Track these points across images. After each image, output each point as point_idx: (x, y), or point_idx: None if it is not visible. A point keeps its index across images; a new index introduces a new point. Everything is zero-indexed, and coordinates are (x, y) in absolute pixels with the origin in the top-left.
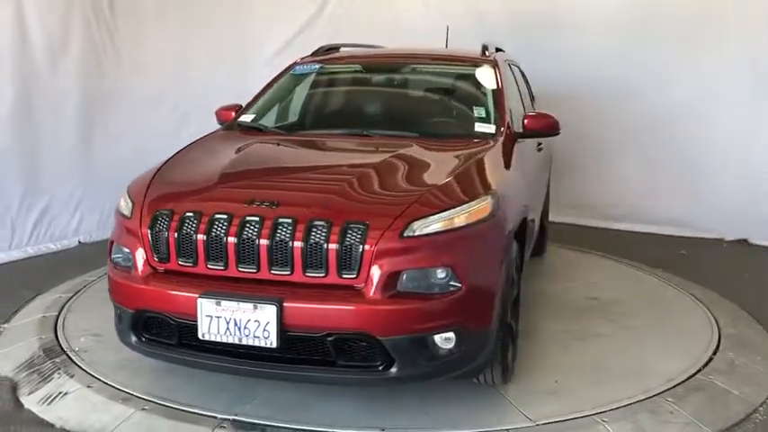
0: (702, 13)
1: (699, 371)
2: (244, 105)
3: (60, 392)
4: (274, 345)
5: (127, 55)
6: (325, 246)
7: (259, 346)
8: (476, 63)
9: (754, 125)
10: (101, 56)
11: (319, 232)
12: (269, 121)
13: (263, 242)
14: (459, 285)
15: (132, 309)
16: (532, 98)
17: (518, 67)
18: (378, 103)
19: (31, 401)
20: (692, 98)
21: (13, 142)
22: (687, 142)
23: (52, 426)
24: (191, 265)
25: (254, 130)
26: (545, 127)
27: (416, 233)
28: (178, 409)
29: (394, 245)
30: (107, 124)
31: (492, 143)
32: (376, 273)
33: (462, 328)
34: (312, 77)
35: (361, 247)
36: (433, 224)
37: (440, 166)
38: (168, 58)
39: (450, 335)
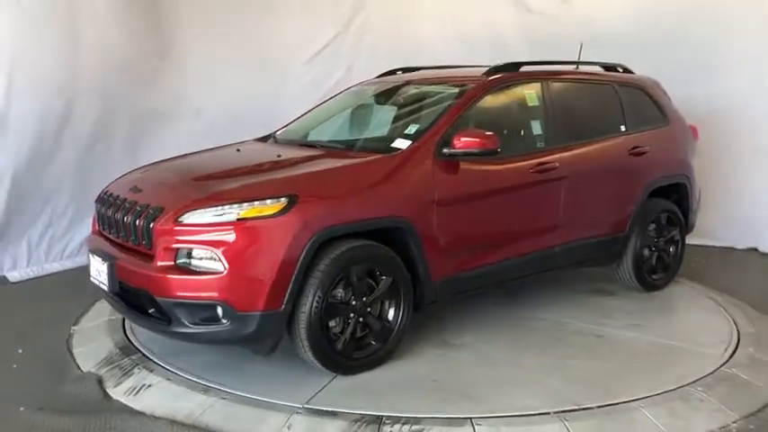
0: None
1: (723, 364)
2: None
3: (144, 384)
4: (110, 290)
5: (172, 67)
6: (137, 222)
7: (107, 290)
8: (456, 84)
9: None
10: (147, 68)
11: (138, 212)
12: (288, 134)
13: (118, 216)
14: (223, 268)
15: None
16: (662, 119)
17: (617, 86)
18: (353, 121)
19: (118, 393)
20: (711, 110)
21: (67, 158)
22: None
23: (142, 413)
24: (102, 229)
25: (272, 140)
26: (471, 147)
27: (188, 220)
28: (255, 399)
29: (170, 227)
30: (154, 136)
31: (383, 158)
32: (158, 247)
33: (227, 305)
34: (347, 98)
35: (152, 225)
36: (209, 214)
37: (292, 171)
38: (212, 70)
39: (217, 308)
